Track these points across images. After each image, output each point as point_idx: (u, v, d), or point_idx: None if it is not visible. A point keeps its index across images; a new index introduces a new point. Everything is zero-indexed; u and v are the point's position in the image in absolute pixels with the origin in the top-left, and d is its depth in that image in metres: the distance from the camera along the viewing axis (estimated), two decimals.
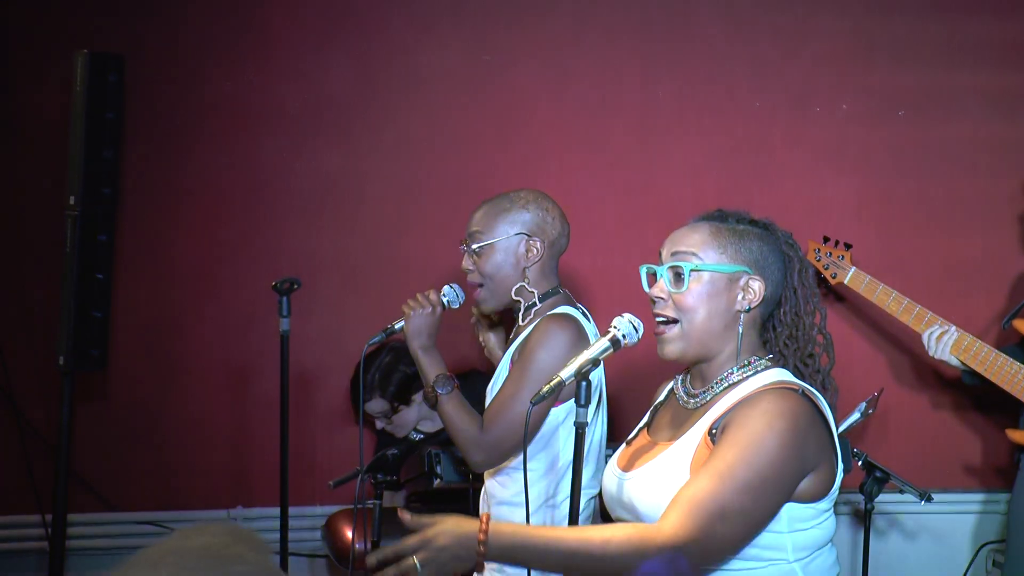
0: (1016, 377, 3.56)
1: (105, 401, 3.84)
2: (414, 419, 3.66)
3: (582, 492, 2.30)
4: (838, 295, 3.94)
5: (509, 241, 2.79)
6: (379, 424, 3.68)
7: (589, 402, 2.15)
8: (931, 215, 4.03)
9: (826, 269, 3.75)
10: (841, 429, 3.30)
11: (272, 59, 3.85)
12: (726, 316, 2.12)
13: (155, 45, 3.79)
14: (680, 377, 2.24)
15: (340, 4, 3.87)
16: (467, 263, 2.84)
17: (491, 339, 3.10)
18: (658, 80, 3.96)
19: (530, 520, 2.25)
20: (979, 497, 4.04)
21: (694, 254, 2.12)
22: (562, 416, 2.70)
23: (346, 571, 3.68)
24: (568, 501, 2.25)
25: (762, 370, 2.12)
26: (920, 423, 4.02)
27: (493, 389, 2.80)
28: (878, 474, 3.48)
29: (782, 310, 2.19)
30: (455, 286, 2.92)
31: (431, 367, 2.80)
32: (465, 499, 3.18)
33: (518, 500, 2.57)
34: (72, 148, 3.46)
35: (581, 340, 2.67)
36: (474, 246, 2.81)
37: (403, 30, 3.89)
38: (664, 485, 2.02)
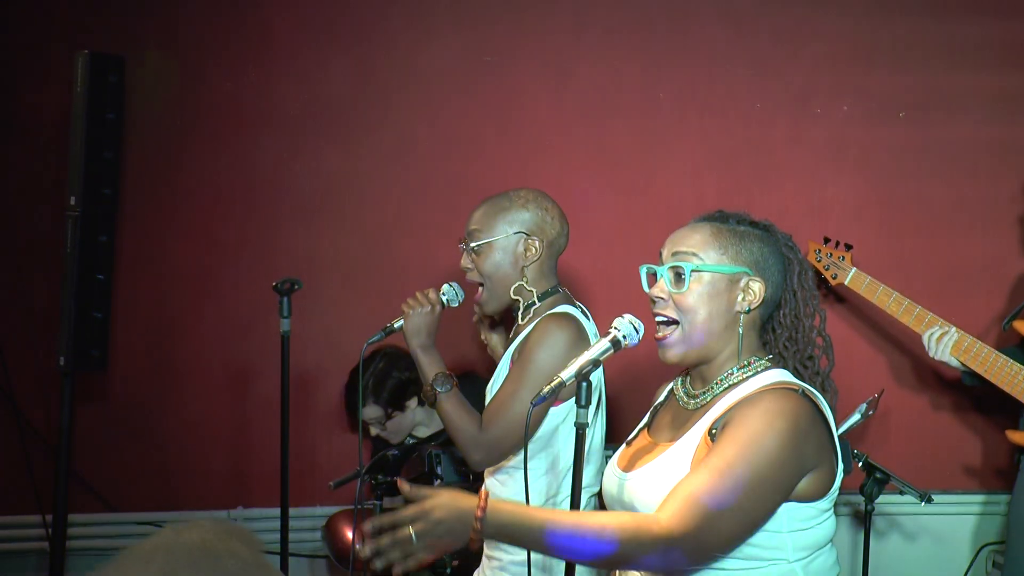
0: (1016, 378, 3.56)
1: (105, 401, 3.84)
2: (409, 425, 3.65)
3: (582, 491, 2.30)
4: (838, 296, 3.93)
5: (508, 240, 2.79)
6: (374, 430, 3.67)
7: (589, 403, 2.15)
8: (931, 216, 4.02)
9: (826, 270, 3.75)
10: (841, 430, 3.30)
11: (271, 59, 3.85)
12: (726, 317, 2.12)
13: (155, 45, 3.79)
14: (680, 378, 2.24)
15: (340, 4, 3.87)
16: (466, 261, 2.84)
17: (494, 338, 3.10)
18: (658, 80, 3.96)
19: None
20: (979, 498, 4.04)
21: (695, 254, 2.12)
22: (562, 416, 2.70)
23: (346, 571, 3.68)
24: (568, 500, 2.25)
25: (762, 370, 2.12)
26: (920, 424, 4.02)
27: (493, 388, 2.80)
28: (878, 475, 3.48)
29: (782, 312, 2.19)
30: (454, 285, 2.92)
31: (430, 366, 2.80)
32: None
33: (518, 499, 2.56)
34: (72, 148, 3.46)
35: (581, 339, 2.67)
36: (473, 245, 2.81)
37: (403, 30, 3.89)
38: (664, 485, 2.02)
